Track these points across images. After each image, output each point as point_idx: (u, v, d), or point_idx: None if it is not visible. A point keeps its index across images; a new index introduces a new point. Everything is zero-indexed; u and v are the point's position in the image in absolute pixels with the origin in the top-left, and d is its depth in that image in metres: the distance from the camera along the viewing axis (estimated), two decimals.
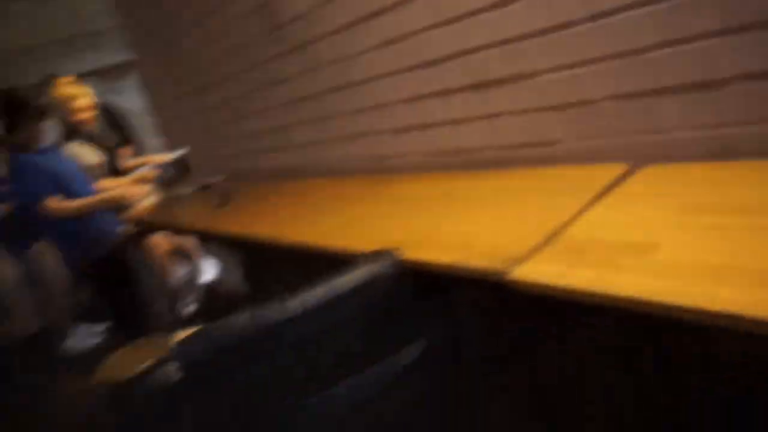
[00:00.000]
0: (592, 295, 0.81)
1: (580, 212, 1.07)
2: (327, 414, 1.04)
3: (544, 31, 1.30)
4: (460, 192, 1.48)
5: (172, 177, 3.08)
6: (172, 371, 0.96)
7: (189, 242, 3.65)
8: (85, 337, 3.98)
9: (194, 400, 1.01)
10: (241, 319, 0.97)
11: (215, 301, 3.19)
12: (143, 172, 3.08)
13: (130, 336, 2.45)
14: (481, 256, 1.03)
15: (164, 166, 3.10)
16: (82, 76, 3.07)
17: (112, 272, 2.76)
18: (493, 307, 1.12)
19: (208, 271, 3.61)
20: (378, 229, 1.40)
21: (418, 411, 1.11)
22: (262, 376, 0.99)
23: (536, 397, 1.19)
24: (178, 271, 3.77)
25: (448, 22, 1.51)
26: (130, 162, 3.24)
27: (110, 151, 3.08)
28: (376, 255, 1.09)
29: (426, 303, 1.13)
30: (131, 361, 2.18)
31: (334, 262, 1.07)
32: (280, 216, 1.90)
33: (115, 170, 3.08)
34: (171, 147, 3.39)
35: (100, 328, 3.99)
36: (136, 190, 2.81)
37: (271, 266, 2.48)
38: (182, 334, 1.04)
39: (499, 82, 1.45)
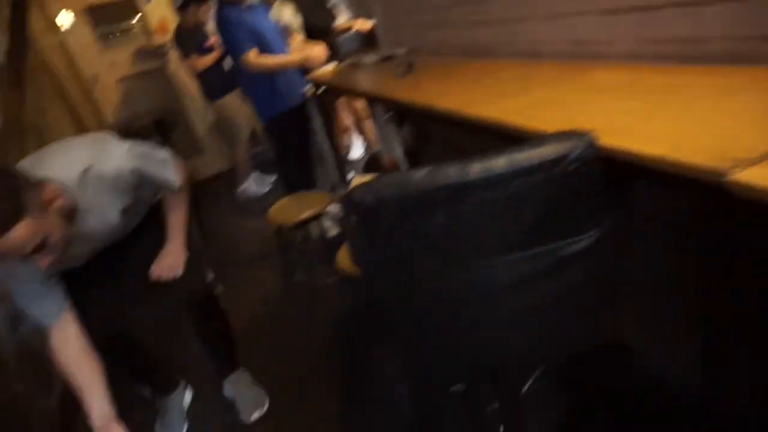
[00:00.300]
0: None
1: None
2: (488, 286, 1.04)
3: None
4: (681, 85, 1.29)
5: (358, 45, 3.16)
6: (341, 218, 0.99)
7: (362, 112, 3.79)
8: (259, 184, 4.47)
9: (359, 248, 1.04)
10: (419, 175, 0.97)
11: (377, 171, 3.34)
12: (331, 37, 3.18)
13: (296, 189, 2.69)
14: (695, 153, 0.92)
15: (353, 34, 3.18)
16: None
17: (291, 129, 2.98)
18: (688, 207, 1.01)
19: (375, 141, 3.76)
20: (572, 113, 1.30)
21: (579, 296, 1.09)
22: (430, 237, 0.98)
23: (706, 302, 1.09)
24: (349, 137, 3.99)
25: None
26: (332, 26, 3.35)
27: (307, 14, 3.20)
28: (570, 135, 1.02)
29: (613, 192, 1.05)
30: (298, 208, 2.42)
31: (516, 141, 1.02)
32: (463, 91, 1.84)
33: (309, 33, 3.22)
34: (361, 17, 3.44)
35: (272, 178, 4.45)
36: (324, 53, 2.93)
37: (438, 142, 2.49)
38: (358, 181, 1.08)
39: None
